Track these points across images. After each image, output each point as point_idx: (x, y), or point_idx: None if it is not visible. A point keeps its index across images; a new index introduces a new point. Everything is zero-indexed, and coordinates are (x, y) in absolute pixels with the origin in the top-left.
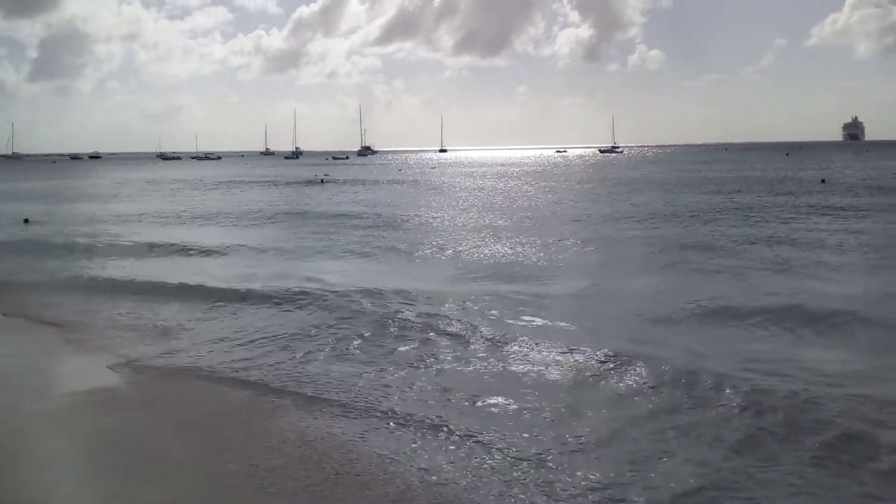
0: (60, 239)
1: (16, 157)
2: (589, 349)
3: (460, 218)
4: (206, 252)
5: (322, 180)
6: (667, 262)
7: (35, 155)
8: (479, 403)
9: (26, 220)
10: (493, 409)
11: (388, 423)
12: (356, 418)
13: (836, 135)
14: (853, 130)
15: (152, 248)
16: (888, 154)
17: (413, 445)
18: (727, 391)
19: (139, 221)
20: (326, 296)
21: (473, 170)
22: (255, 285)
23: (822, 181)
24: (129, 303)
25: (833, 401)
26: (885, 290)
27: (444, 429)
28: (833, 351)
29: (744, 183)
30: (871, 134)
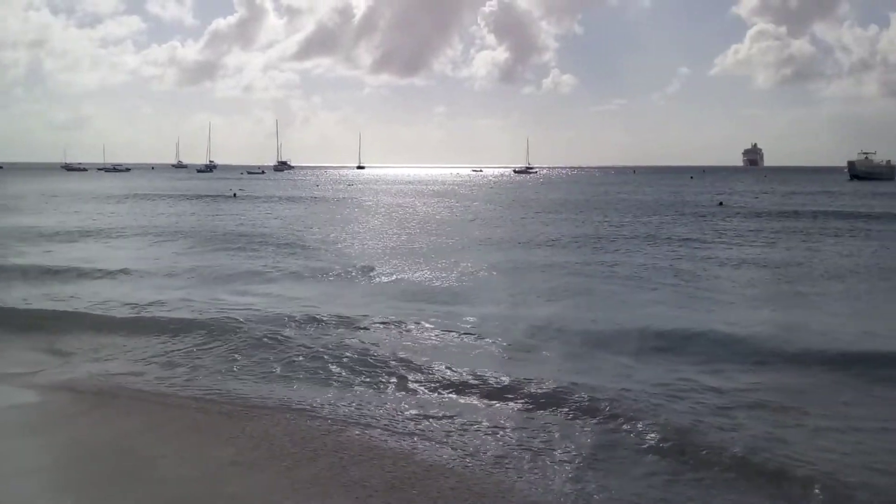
0: None
1: None
2: (489, 373)
3: (374, 239)
4: (107, 274)
5: (235, 194)
6: (568, 287)
7: None
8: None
9: None
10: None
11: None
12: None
13: (738, 160)
14: (753, 156)
15: (47, 272)
16: (784, 179)
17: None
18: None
19: (39, 236)
20: (234, 322)
21: (391, 187)
22: (158, 312)
23: (720, 204)
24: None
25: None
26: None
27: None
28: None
29: (651, 205)
30: (769, 160)
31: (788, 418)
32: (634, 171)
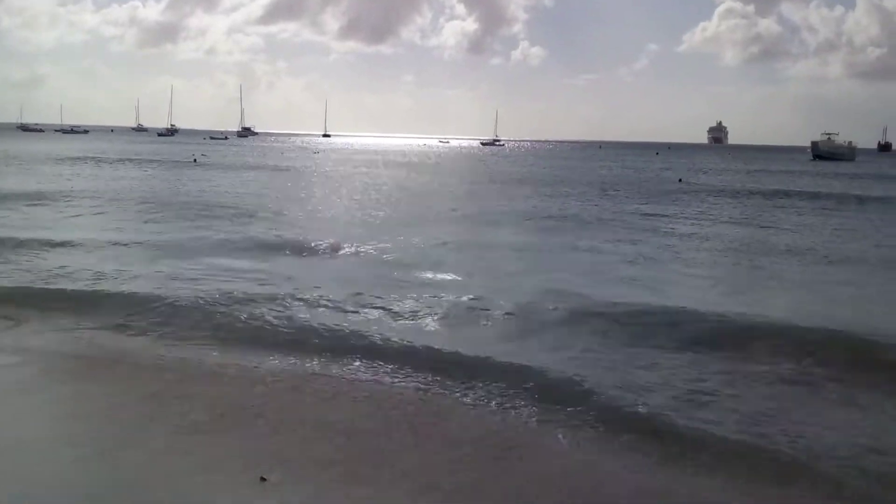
0: None
1: None
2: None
3: (332, 211)
4: (58, 245)
5: (195, 160)
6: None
7: None
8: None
9: None
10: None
11: None
12: None
13: (703, 137)
14: (717, 134)
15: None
16: (747, 157)
17: None
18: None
19: None
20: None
21: (355, 156)
22: (111, 286)
23: (679, 180)
24: None
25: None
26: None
27: None
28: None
29: (614, 181)
30: (734, 138)
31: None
32: (601, 146)
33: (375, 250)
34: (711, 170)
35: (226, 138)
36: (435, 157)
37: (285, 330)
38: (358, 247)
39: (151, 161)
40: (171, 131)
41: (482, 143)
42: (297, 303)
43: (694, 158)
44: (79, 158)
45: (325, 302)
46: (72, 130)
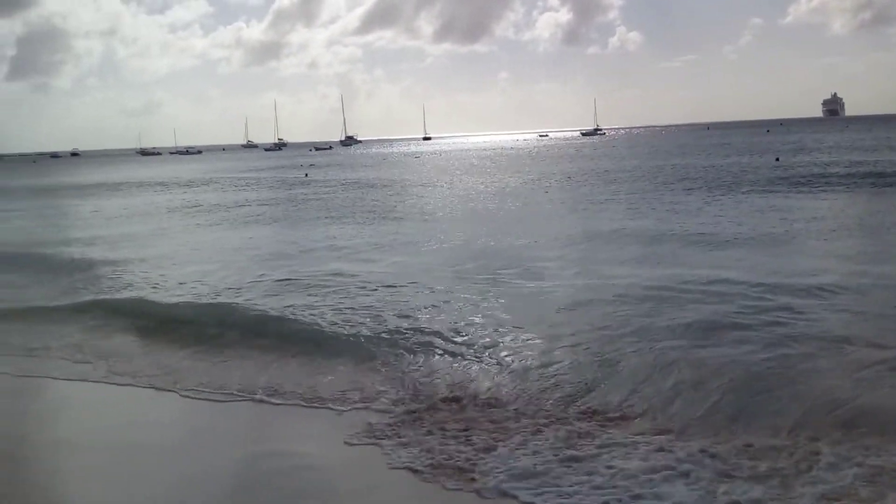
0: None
1: None
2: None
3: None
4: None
5: (306, 175)
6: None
7: (13, 155)
8: None
9: None
10: None
11: None
12: None
13: (817, 111)
14: (832, 106)
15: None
16: (865, 128)
17: None
18: None
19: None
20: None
21: (458, 161)
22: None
23: (777, 160)
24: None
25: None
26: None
27: None
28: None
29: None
30: (850, 109)
31: None
32: (708, 128)
33: None
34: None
35: (330, 148)
36: (537, 153)
37: None
38: None
39: (273, 183)
40: (279, 146)
41: (582, 134)
42: None
43: (805, 133)
44: (208, 180)
45: None
46: (186, 152)
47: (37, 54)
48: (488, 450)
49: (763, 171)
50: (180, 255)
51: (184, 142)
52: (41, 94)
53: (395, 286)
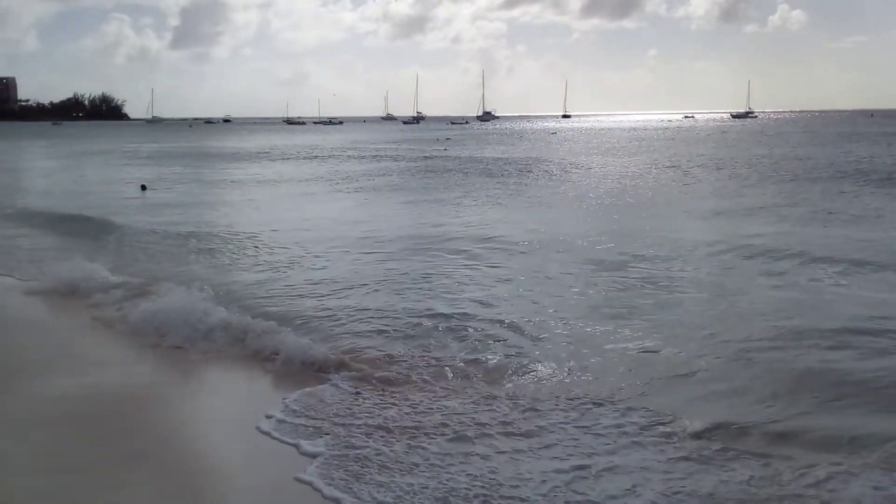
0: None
1: (156, 121)
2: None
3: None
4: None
5: (445, 148)
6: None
7: (173, 119)
8: None
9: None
10: None
11: None
12: None
13: None
14: None
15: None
16: None
17: None
18: None
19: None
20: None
21: (591, 142)
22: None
23: None
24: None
25: None
26: None
27: None
28: None
29: None
30: None
31: None
32: (871, 115)
33: None
34: None
35: (466, 122)
36: (683, 136)
37: None
38: None
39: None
40: (417, 119)
41: (733, 116)
42: None
43: None
44: (347, 151)
45: None
46: (329, 122)
47: (198, 25)
48: None
49: None
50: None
51: (326, 112)
52: (200, 63)
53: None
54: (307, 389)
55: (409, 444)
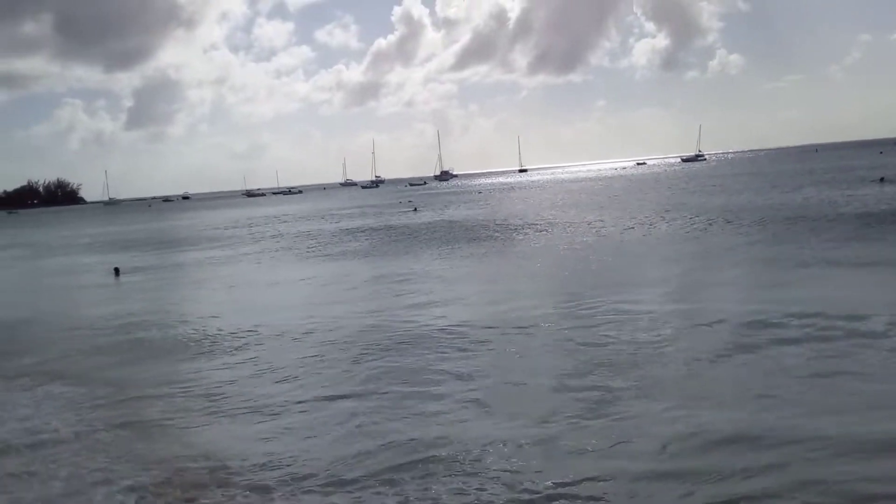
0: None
1: (113, 203)
2: None
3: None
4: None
5: (415, 209)
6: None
7: (131, 200)
8: None
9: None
10: None
11: None
12: None
13: None
14: None
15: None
16: None
17: None
18: None
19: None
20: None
21: (554, 194)
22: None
23: (881, 180)
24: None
25: None
26: None
27: None
28: None
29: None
30: None
31: None
32: (817, 150)
33: None
34: None
35: (424, 183)
36: (636, 184)
37: None
38: None
39: (383, 228)
40: (376, 183)
41: (683, 160)
42: None
43: None
44: (315, 217)
45: None
46: (289, 192)
47: (153, 104)
48: None
49: None
50: None
51: (285, 182)
52: (157, 141)
53: None
54: None
55: None
